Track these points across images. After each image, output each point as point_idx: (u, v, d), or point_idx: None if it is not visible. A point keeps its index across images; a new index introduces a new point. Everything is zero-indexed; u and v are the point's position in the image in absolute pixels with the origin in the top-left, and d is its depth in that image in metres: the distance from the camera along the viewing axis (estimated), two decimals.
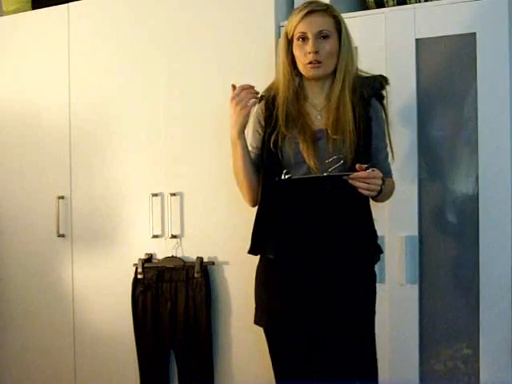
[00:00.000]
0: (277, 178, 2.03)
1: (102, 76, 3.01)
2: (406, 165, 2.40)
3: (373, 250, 2.14)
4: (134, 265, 2.86)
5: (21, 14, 3.27)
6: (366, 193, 1.97)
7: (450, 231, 2.39)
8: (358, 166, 1.95)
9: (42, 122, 3.16)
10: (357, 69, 2.13)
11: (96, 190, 3.03)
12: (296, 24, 2.05)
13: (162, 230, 2.86)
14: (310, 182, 2.01)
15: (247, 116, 2.09)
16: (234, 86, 2.11)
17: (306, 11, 2.05)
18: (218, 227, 2.75)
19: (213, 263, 2.76)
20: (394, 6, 2.54)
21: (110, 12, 2.99)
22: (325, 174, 1.99)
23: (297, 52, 2.07)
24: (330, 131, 2.04)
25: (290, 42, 2.09)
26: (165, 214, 2.85)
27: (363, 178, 1.94)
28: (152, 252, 2.88)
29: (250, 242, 2.15)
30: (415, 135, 2.40)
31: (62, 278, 3.11)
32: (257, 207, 2.16)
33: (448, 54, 2.37)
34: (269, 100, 2.15)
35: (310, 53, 2.03)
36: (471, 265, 2.33)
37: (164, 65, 2.86)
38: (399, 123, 2.39)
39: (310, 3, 2.07)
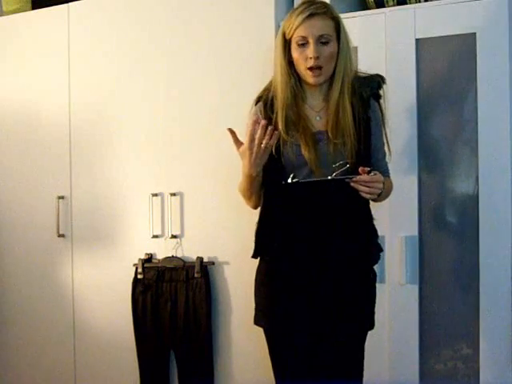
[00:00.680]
0: (284, 182, 2.02)
1: (101, 76, 3.01)
2: (406, 165, 2.40)
3: (374, 249, 2.14)
4: (134, 265, 2.86)
5: (21, 13, 3.27)
6: (367, 196, 1.98)
7: (450, 231, 2.39)
8: (360, 169, 1.95)
9: (42, 122, 3.17)
10: (355, 69, 2.12)
11: (96, 190, 3.03)
12: (296, 27, 2.01)
13: (162, 230, 2.86)
14: (316, 185, 2.01)
15: (267, 155, 2.00)
16: (232, 131, 2.05)
17: (306, 14, 2.00)
18: (217, 227, 2.75)
19: (213, 263, 2.76)
20: (393, 5, 2.54)
21: (109, 12, 2.99)
22: (329, 177, 1.98)
23: (296, 55, 2.04)
24: (330, 135, 2.04)
25: (287, 42, 2.06)
26: (165, 213, 2.85)
27: (366, 182, 1.95)
28: (152, 252, 2.88)
29: (253, 246, 2.15)
30: (415, 135, 2.40)
31: (61, 278, 3.11)
32: (260, 209, 2.15)
33: (448, 54, 2.37)
34: (267, 102, 2.13)
35: (310, 58, 2.01)
36: (471, 265, 2.32)
37: (164, 65, 2.86)
38: (399, 123, 2.39)
39: (310, 4, 2.03)
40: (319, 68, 2.02)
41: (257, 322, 2.16)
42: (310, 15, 2.01)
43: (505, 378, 2.27)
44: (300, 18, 2.01)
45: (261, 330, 2.16)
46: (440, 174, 2.40)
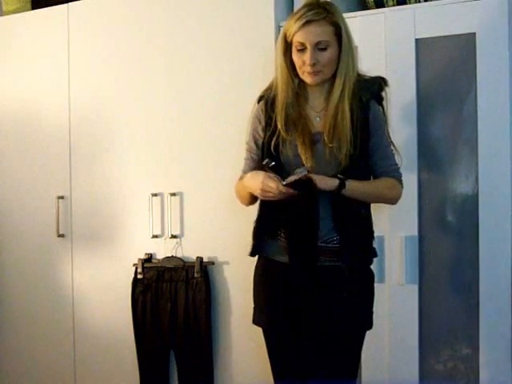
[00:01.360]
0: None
1: (101, 76, 3.01)
2: (406, 165, 2.39)
3: (369, 248, 2.14)
4: (134, 265, 2.86)
5: (20, 14, 3.27)
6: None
7: (450, 231, 2.39)
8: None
9: (42, 122, 3.17)
10: (358, 72, 2.11)
11: (96, 190, 3.03)
12: (294, 32, 2.02)
13: (162, 230, 2.86)
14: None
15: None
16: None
17: (304, 21, 2.00)
18: (217, 227, 2.75)
19: (213, 263, 2.76)
20: (393, 5, 2.54)
21: (109, 12, 2.99)
22: (284, 182, 1.97)
23: (295, 59, 2.05)
24: (326, 139, 2.03)
25: (288, 44, 2.07)
26: (165, 213, 2.85)
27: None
28: (152, 252, 2.88)
29: (251, 245, 2.16)
30: (415, 135, 2.40)
31: (61, 278, 3.11)
32: (258, 208, 2.16)
33: (448, 54, 2.37)
34: (268, 101, 2.14)
35: (308, 64, 2.01)
36: (471, 265, 2.33)
37: (163, 65, 2.86)
38: (399, 123, 2.40)
39: (309, 10, 2.01)
40: (317, 71, 2.03)
41: (255, 321, 2.16)
42: (307, 22, 2.00)
43: (505, 377, 2.27)
44: (298, 25, 2.01)
45: (260, 329, 2.17)
46: (440, 174, 2.40)
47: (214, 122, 2.75)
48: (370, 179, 2.12)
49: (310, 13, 2.00)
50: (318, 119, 2.10)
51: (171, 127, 2.85)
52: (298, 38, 2.02)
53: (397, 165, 2.15)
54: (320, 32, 2.00)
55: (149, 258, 2.86)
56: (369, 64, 2.25)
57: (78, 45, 3.07)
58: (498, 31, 2.27)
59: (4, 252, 3.28)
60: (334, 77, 2.07)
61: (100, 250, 3.02)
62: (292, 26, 2.03)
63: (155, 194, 2.87)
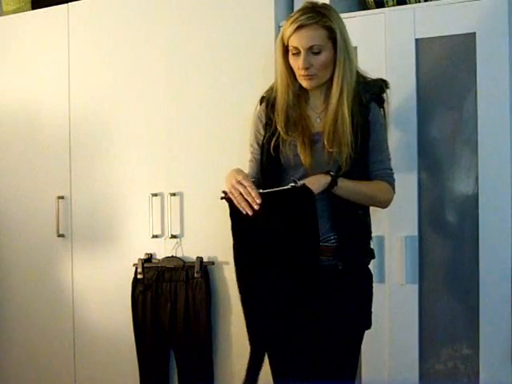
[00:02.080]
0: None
1: (101, 76, 3.01)
2: (406, 165, 2.40)
3: (367, 248, 2.13)
4: (134, 265, 2.86)
5: (20, 13, 3.27)
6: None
7: (450, 231, 2.39)
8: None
9: (42, 122, 3.16)
10: (357, 74, 2.10)
11: (96, 190, 3.03)
12: (289, 36, 2.02)
13: (162, 230, 2.86)
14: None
15: None
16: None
17: (296, 25, 2.00)
18: (217, 227, 2.74)
19: (213, 263, 2.76)
20: (393, 5, 2.54)
21: (109, 12, 2.99)
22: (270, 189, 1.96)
23: (291, 62, 2.06)
24: (326, 144, 2.03)
25: (286, 47, 2.06)
26: (165, 213, 2.85)
27: None
28: (152, 252, 2.88)
29: None
30: (415, 135, 2.40)
31: (61, 278, 3.11)
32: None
33: (448, 54, 2.37)
34: (269, 102, 2.14)
35: (301, 69, 2.02)
36: (471, 265, 2.32)
37: (164, 65, 2.86)
38: (399, 123, 2.40)
39: (302, 14, 2.01)
40: (311, 75, 2.03)
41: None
42: (299, 27, 2.00)
43: (505, 378, 2.27)
44: (291, 29, 2.01)
45: None
46: (440, 174, 2.40)
47: (214, 121, 2.75)
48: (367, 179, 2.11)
49: (302, 17, 2.00)
50: (318, 120, 2.11)
51: (171, 127, 2.85)
52: (292, 43, 2.02)
53: (391, 170, 2.14)
54: (313, 36, 2.00)
55: (149, 258, 2.86)
56: (369, 64, 2.25)
57: (78, 45, 3.07)
58: (497, 31, 2.27)
59: (4, 252, 3.28)
60: (331, 80, 2.06)
61: (100, 250, 3.02)
62: (287, 30, 2.03)
63: (155, 194, 2.87)
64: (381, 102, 2.12)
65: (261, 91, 2.21)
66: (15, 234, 3.25)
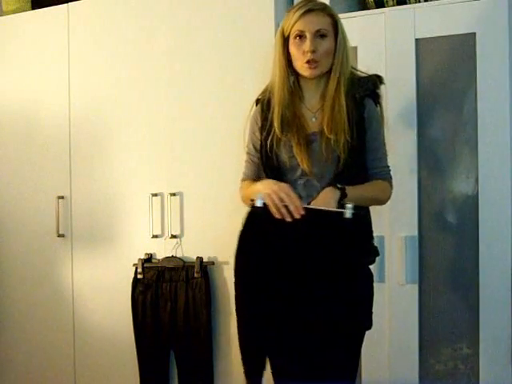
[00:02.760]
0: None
1: (101, 76, 3.01)
2: (406, 165, 2.40)
3: (369, 248, 2.13)
4: (134, 265, 2.86)
5: (20, 13, 3.28)
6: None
7: (450, 231, 2.39)
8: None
9: (42, 122, 3.16)
10: (352, 69, 2.11)
11: (96, 190, 3.03)
12: (294, 22, 2.04)
13: (162, 230, 2.86)
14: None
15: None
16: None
17: (304, 10, 2.03)
18: (217, 227, 2.75)
19: (213, 263, 2.76)
20: (393, 5, 2.55)
21: (109, 12, 2.99)
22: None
23: (293, 50, 2.06)
24: (325, 130, 2.03)
25: (285, 41, 2.08)
26: (165, 213, 2.86)
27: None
28: (152, 252, 2.88)
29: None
30: (415, 135, 2.40)
31: (61, 278, 3.11)
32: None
33: (448, 54, 2.37)
34: (264, 103, 2.14)
35: (307, 52, 2.02)
36: (471, 265, 2.33)
37: (163, 64, 2.86)
38: (399, 123, 2.40)
39: (308, 2, 2.06)
40: (315, 62, 2.04)
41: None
42: (308, 11, 2.03)
43: (505, 377, 2.27)
44: (298, 14, 2.04)
45: None
46: (440, 174, 2.40)
47: (214, 122, 2.75)
48: (365, 177, 2.11)
49: (309, 3, 2.05)
50: (313, 119, 2.10)
51: (171, 127, 2.85)
52: (297, 27, 2.04)
53: (388, 167, 2.15)
54: (320, 21, 2.03)
55: (149, 258, 2.86)
56: (369, 64, 2.26)
57: (78, 45, 3.07)
58: (497, 31, 2.27)
59: (4, 252, 3.28)
60: (329, 73, 2.07)
61: (100, 250, 3.02)
62: (291, 18, 2.05)
63: (155, 194, 2.87)
64: (376, 98, 2.12)
65: (259, 91, 2.21)
66: (15, 234, 3.25)
